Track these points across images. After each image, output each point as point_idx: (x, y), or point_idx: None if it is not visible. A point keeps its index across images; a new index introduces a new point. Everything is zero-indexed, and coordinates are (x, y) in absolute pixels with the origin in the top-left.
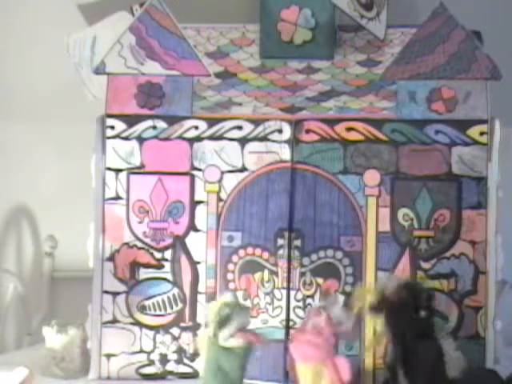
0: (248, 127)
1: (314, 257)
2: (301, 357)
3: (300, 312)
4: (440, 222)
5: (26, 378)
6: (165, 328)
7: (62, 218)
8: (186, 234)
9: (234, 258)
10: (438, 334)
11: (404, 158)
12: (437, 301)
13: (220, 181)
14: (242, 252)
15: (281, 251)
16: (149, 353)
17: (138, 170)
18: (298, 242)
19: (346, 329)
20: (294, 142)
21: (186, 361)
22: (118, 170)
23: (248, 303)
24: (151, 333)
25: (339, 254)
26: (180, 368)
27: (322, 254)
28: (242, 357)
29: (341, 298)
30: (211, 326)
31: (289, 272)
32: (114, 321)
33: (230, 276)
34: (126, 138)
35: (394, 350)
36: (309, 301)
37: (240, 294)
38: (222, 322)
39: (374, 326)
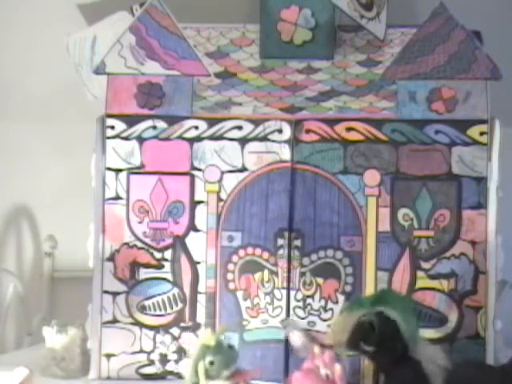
0: (248, 127)
1: (314, 257)
2: None
3: (300, 312)
4: (440, 221)
5: (25, 378)
6: (165, 328)
7: (62, 218)
8: (186, 233)
9: (234, 258)
10: (414, 347)
11: (404, 158)
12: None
13: (220, 181)
14: (241, 252)
15: (281, 251)
16: (149, 353)
17: (138, 170)
18: (297, 242)
19: (305, 353)
20: (294, 142)
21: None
22: (117, 170)
23: (248, 303)
24: (151, 333)
25: (339, 254)
26: (180, 368)
27: (321, 253)
28: None
29: (297, 324)
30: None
31: (289, 272)
32: (114, 321)
33: (229, 276)
34: (126, 138)
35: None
36: (309, 301)
37: (240, 294)
38: (208, 374)
39: None
